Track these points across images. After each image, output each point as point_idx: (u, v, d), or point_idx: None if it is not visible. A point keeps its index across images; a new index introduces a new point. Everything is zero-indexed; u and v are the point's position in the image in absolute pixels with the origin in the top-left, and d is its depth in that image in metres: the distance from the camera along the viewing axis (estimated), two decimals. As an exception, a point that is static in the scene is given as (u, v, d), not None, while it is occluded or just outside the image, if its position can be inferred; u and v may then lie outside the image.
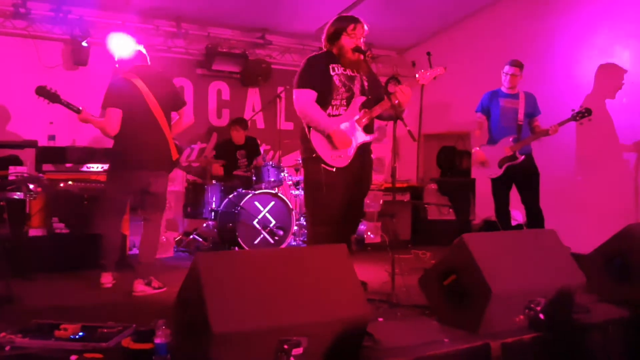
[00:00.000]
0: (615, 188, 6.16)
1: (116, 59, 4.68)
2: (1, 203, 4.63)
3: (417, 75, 3.98)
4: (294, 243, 6.55)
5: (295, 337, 2.39)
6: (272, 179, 6.55)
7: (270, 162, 6.86)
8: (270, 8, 7.02)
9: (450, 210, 7.47)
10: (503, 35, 7.18)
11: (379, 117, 4.03)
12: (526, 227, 5.68)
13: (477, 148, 5.64)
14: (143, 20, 6.83)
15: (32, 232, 5.21)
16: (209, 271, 2.46)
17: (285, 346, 2.35)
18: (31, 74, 6.16)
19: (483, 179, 5.77)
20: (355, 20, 3.91)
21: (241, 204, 6.09)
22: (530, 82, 5.77)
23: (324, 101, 3.86)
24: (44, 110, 5.91)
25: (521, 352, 3.02)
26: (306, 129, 3.89)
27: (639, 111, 6.01)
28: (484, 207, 6.60)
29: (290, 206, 6.40)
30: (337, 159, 3.83)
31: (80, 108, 4.42)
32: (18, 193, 4.68)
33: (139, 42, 4.73)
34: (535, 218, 5.45)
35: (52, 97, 4.38)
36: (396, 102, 3.80)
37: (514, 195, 5.59)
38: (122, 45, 4.65)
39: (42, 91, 4.37)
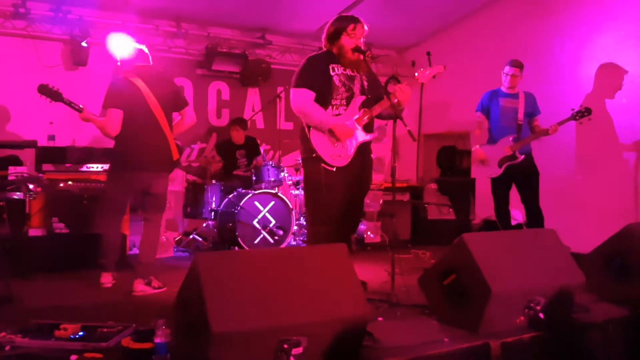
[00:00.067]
0: (615, 187, 6.16)
1: (118, 59, 4.68)
2: (1, 203, 4.64)
3: (416, 74, 3.98)
4: (293, 243, 6.56)
5: (295, 336, 2.39)
6: (272, 179, 6.55)
7: (270, 162, 6.86)
8: (270, 8, 7.02)
9: (450, 210, 7.47)
10: (503, 35, 7.18)
11: (379, 117, 4.03)
12: (526, 226, 5.68)
13: (477, 146, 5.65)
14: (143, 20, 6.83)
15: (32, 232, 5.21)
16: (208, 271, 2.46)
17: (285, 346, 2.35)
18: (31, 74, 6.15)
19: (483, 178, 5.77)
20: (355, 20, 3.91)
21: (241, 203, 6.09)
22: (530, 82, 5.77)
23: (324, 101, 3.86)
24: (43, 110, 5.91)
25: (521, 351, 3.02)
26: (306, 129, 3.89)
27: (639, 111, 6.02)
28: (483, 206, 6.60)
29: (290, 206, 6.40)
30: (337, 158, 3.83)
31: (82, 107, 4.43)
32: (18, 193, 4.68)
33: (138, 42, 4.72)
34: (535, 218, 5.45)
35: (54, 95, 4.39)
36: (395, 101, 3.79)
37: (514, 194, 5.59)
38: (123, 45, 4.65)
39: (44, 89, 4.37)
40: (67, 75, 6.51)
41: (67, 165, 5.52)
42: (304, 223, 6.43)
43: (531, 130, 5.56)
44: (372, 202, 6.93)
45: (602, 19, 6.35)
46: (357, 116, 3.90)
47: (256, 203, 6.22)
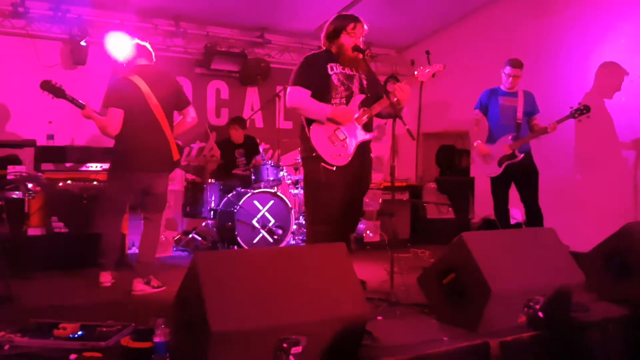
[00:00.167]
0: (614, 186, 6.16)
1: (117, 59, 4.67)
2: (0, 202, 4.63)
3: (415, 73, 3.98)
4: (293, 242, 6.55)
5: (294, 335, 2.39)
6: (271, 178, 6.55)
7: (269, 161, 6.85)
8: (270, 7, 7.02)
9: (450, 209, 7.48)
10: (502, 34, 7.18)
11: (378, 116, 4.03)
12: (525, 225, 5.68)
13: (478, 141, 5.64)
14: (142, 20, 6.82)
15: (31, 232, 5.21)
16: (208, 270, 2.46)
17: (285, 345, 2.35)
18: (30, 74, 6.14)
19: (482, 177, 5.77)
20: (355, 19, 3.91)
21: (240, 203, 6.09)
22: (529, 81, 5.77)
23: (323, 100, 3.85)
24: (43, 109, 5.93)
25: (520, 350, 3.02)
26: (306, 128, 3.88)
27: (638, 109, 6.02)
28: (483, 205, 6.61)
29: (289, 205, 6.40)
30: (337, 157, 3.83)
31: (84, 104, 4.43)
32: (17, 192, 4.67)
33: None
34: (534, 216, 5.45)
35: (57, 91, 4.39)
36: (395, 99, 3.79)
37: (513, 193, 5.60)
38: (122, 45, 4.65)
39: (47, 85, 4.38)
40: (66, 75, 6.50)
41: (67, 164, 5.51)
42: (303, 222, 6.43)
43: (530, 129, 5.56)
44: (372, 201, 6.94)
45: (601, 18, 6.34)
46: (356, 115, 3.90)
47: (255, 202, 6.22)
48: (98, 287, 4.45)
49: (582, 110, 5.34)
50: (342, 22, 3.91)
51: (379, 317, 3.42)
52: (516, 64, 5.50)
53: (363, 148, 3.94)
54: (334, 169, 3.82)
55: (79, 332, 2.87)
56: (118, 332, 2.89)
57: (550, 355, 3.11)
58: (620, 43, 6.16)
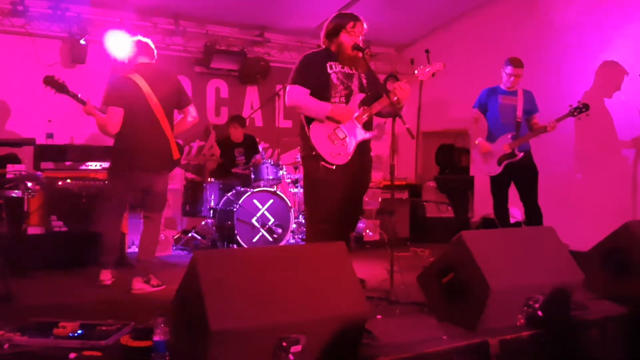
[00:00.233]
0: (613, 185, 6.17)
1: (122, 56, 4.66)
2: (0, 201, 4.63)
3: (416, 72, 3.98)
4: (292, 241, 6.56)
5: (294, 334, 2.39)
6: (271, 177, 6.55)
7: (269, 160, 6.85)
8: (269, 5, 7.02)
9: (449, 207, 7.48)
10: (502, 32, 7.18)
11: (378, 115, 4.03)
12: (525, 224, 5.68)
13: (480, 139, 5.63)
14: (141, 18, 6.81)
15: (31, 230, 5.21)
16: (207, 269, 2.46)
17: (284, 344, 2.35)
18: (29, 72, 6.14)
19: (482, 176, 5.76)
20: (355, 18, 3.91)
21: (240, 202, 6.09)
22: (529, 79, 5.76)
23: (322, 99, 3.85)
24: (42, 108, 5.92)
25: (520, 349, 3.03)
26: (305, 127, 3.88)
27: (638, 108, 6.02)
28: (482, 204, 6.61)
29: (289, 204, 6.40)
30: (337, 156, 3.82)
31: (86, 100, 4.43)
32: (16, 191, 4.67)
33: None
34: (533, 215, 5.44)
35: (60, 87, 4.40)
36: (395, 99, 3.79)
37: (513, 192, 5.60)
38: (122, 43, 4.64)
39: (49, 80, 4.39)
40: (65, 73, 6.44)
41: (66, 163, 5.51)
42: (303, 221, 6.44)
43: (530, 128, 5.56)
44: (371, 200, 6.94)
45: (600, 17, 6.34)
46: (356, 114, 3.90)
47: (255, 201, 6.22)
48: (97, 286, 4.45)
49: (582, 109, 5.34)
50: (342, 21, 3.91)
51: (379, 316, 3.42)
52: (518, 64, 5.48)
53: (363, 147, 3.94)
54: (334, 167, 3.81)
55: (79, 331, 2.86)
56: (118, 331, 2.89)
57: (550, 353, 3.12)
58: (620, 42, 6.16)
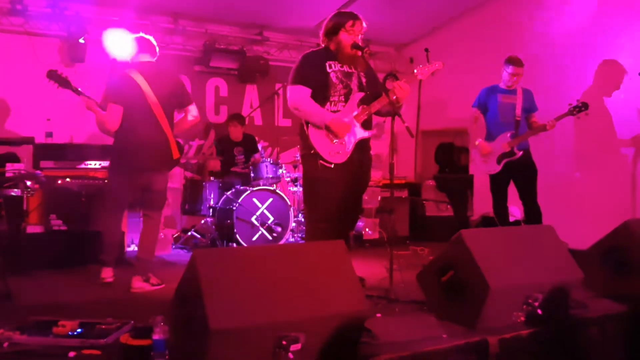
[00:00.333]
0: (613, 184, 6.17)
1: (122, 55, 4.65)
2: (-1, 200, 4.63)
3: (415, 71, 3.97)
4: (292, 239, 6.56)
5: (293, 333, 2.39)
6: (270, 176, 6.55)
7: (268, 159, 6.85)
8: (268, 4, 7.01)
9: (448, 206, 7.48)
10: (501, 31, 7.17)
11: (378, 113, 4.03)
12: (524, 223, 5.69)
13: (480, 140, 5.63)
14: (140, 17, 6.80)
15: (30, 229, 5.20)
16: (206, 268, 2.46)
17: (284, 342, 2.35)
18: (28, 71, 6.14)
19: (481, 175, 5.76)
20: (354, 17, 3.90)
21: (239, 200, 6.09)
22: (528, 78, 5.76)
23: (321, 98, 3.85)
24: (41, 107, 5.92)
25: (519, 347, 3.03)
26: (304, 126, 3.88)
27: (637, 106, 6.02)
28: (481, 203, 6.61)
29: (288, 203, 6.40)
30: (336, 155, 3.82)
31: (88, 96, 4.44)
32: (15, 190, 4.67)
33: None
34: (533, 214, 5.45)
35: (63, 81, 4.40)
36: (394, 98, 3.79)
37: (512, 191, 5.60)
38: (121, 42, 4.63)
39: (53, 75, 4.39)
40: (64, 72, 6.47)
41: (65, 162, 5.50)
42: (302, 220, 6.44)
43: (529, 127, 5.56)
44: (370, 198, 6.94)
45: (600, 15, 6.34)
46: (355, 113, 3.90)
47: (254, 200, 6.22)
48: (99, 283, 4.45)
49: (581, 108, 5.34)
50: (341, 20, 3.91)
51: (378, 314, 3.43)
52: (518, 63, 5.48)
53: (362, 146, 3.94)
54: (332, 166, 3.81)
55: (78, 330, 2.87)
56: (117, 329, 2.89)
57: (549, 352, 3.12)
58: (620, 41, 6.15)
